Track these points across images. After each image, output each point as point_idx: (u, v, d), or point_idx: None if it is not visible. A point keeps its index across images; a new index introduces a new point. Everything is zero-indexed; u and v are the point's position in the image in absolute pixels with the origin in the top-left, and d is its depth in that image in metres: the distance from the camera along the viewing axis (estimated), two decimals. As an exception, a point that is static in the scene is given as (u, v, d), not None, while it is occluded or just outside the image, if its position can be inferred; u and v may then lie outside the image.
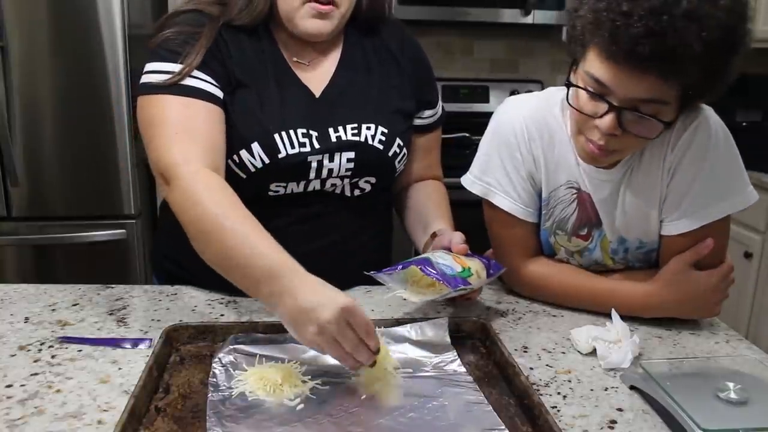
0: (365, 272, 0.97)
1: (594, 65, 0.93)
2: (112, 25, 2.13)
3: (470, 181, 1.17)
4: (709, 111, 1.05)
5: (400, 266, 0.96)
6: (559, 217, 1.15)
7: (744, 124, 2.74)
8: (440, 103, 1.31)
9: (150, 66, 1.07)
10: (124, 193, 2.27)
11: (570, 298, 1.14)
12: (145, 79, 1.07)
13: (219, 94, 1.07)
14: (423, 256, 1.02)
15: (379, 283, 1.09)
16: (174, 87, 1.04)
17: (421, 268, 0.95)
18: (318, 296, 0.83)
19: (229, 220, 0.93)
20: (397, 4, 2.71)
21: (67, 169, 2.22)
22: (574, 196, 1.12)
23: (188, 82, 1.04)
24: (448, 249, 1.06)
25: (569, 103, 1.01)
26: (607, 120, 0.93)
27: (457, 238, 1.08)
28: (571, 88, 0.99)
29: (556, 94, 1.12)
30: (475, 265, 1.04)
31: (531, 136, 1.11)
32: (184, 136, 1.02)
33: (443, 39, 3.05)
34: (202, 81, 1.05)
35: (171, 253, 1.27)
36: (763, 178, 2.46)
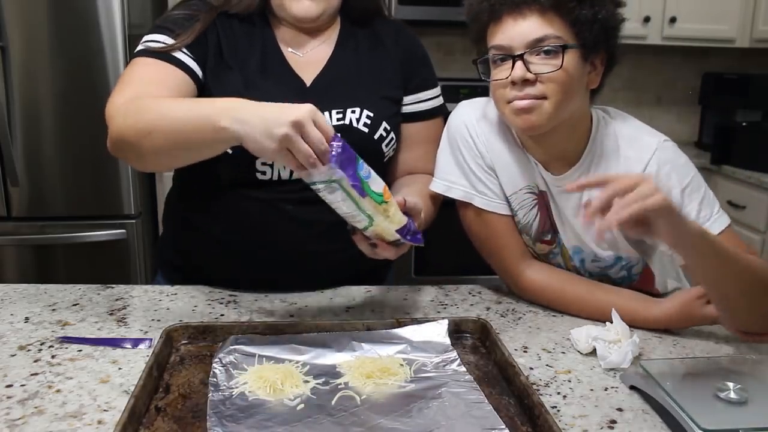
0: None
1: (490, 39, 1.03)
2: (112, 25, 2.13)
3: (445, 187, 1.16)
4: (667, 144, 1.08)
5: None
6: (522, 222, 1.16)
7: (744, 124, 2.73)
8: (439, 94, 1.29)
9: (146, 37, 1.12)
10: (124, 193, 2.27)
11: (571, 310, 1.12)
12: (138, 47, 1.11)
13: (199, 73, 1.11)
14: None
15: (379, 284, 1.08)
16: (160, 54, 1.08)
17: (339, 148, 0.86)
18: (281, 106, 0.87)
19: (161, 103, 0.99)
20: (397, 4, 2.71)
21: (67, 169, 2.23)
22: (535, 201, 1.14)
23: (174, 54, 1.09)
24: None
25: (489, 85, 1.06)
26: (516, 69, 0.99)
27: (407, 196, 1.00)
28: (488, 78, 1.05)
29: None
30: (397, 211, 0.94)
31: (485, 134, 1.14)
32: (138, 85, 1.05)
33: (443, 39, 3.05)
34: (187, 56, 1.10)
35: (179, 246, 1.27)
36: (763, 178, 2.45)
